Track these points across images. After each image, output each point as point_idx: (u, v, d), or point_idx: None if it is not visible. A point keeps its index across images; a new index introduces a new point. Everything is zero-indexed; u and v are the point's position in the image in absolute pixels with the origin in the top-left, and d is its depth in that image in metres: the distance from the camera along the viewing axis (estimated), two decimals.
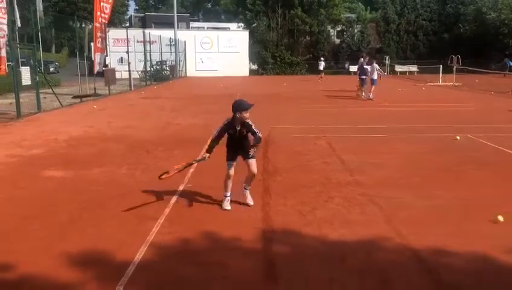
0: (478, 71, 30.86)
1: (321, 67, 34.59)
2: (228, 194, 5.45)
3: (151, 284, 3.72)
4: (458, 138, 9.82)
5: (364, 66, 19.76)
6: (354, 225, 4.93)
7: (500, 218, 4.97)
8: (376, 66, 19.73)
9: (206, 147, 5.48)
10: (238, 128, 5.26)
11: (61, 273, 3.84)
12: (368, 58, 21.37)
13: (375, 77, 19.27)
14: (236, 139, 5.35)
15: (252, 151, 5.38)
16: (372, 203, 5.62)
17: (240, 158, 5.49)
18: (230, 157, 5.45)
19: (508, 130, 11.08)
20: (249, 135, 5.30)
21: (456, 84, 27.41)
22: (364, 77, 19.54)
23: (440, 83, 28.98)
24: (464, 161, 7.92)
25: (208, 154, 5.39)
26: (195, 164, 5.70)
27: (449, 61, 29.90)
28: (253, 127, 5.26)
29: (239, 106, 5.19)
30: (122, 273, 3.81)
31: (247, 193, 5.55)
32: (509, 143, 9.21)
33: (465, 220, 5.09)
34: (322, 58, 36.53)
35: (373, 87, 19.05)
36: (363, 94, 19.64)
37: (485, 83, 27.39)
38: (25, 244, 4.47)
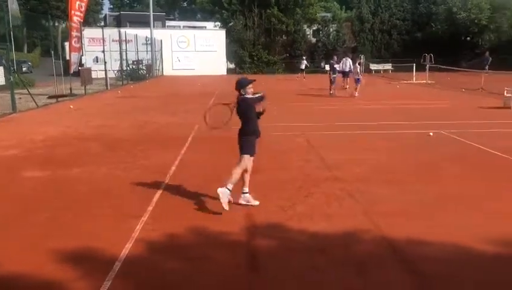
0: (450, 69, 31.63)
1: (302, 66, 34.91)
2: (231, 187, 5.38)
3: (138, 279, 3.81)
4: (431, 134, 10.13)
5: (335, 65, 20.83)
6: (334, 218, 5.10)
7: None
8: (357, 66, 20.41)
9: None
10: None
11: (47, 270, 3.88)
12: (350, 57, 22.22)
13: (359, 76, 19.87)
14: (257, 117, 5.46)
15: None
16: (350, 198, 5.81)
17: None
18: (254, 150, 5.46)
19: (478, 126, 11.47)
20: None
21: (429, 82, 28.04)
22: (335, 76, 20.53)
23: (414, 81, 29.58)
24: (438, 156, 8.20)
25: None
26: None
27: (422, 60, 30.57)
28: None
29: (244, 83, 5.39)
30: (109, 269, 3.87)
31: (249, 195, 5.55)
32: (479, 138, 9.56)
33: (440, 212, 5.31)
34: (303, 58, 36.84)
35: (358, 85, 19.63)
36: (333, 91, 20.37)
37: (456, 80, 28.10)
38: (8, 242, 4.48)
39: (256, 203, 5.48)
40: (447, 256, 4.17)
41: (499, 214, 5.25)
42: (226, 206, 5.17)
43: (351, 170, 7.17)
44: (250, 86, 5.38)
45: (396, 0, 51.51)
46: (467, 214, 5.26)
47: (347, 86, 22.48)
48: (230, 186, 5.24)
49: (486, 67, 33.04)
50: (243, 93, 5.35)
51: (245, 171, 5.43)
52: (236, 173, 5.32)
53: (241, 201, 5.49)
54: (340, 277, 3.82)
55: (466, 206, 5.56)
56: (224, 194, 5.17)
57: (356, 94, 19.42)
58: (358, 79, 19.79)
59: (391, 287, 3.70)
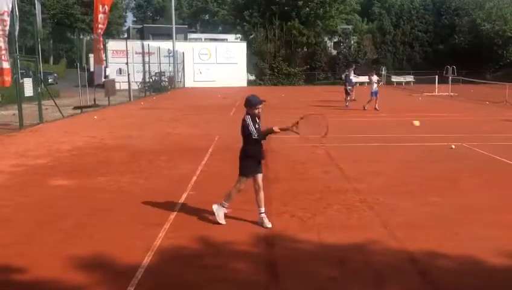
0: (473, 81, 31.26)
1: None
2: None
3: (160, 286, 3.91)
4: (453, 146, 10.05)
5: (351, 77, 21.27)
6: (353, 229, 5.14)
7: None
8: (375, 77, 20.03)
9: (265, 133, 5.22)
10: (258, 123, 5.25)
11: (73, 275, 4.03)
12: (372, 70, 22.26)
13: (375, 88, 19.33)
14: (258, 140, 5.22)
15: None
16: (369, 209, 5.83)
17: None
18: (254, 169, 5.27)
19: (501, 139, 11.32)
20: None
21: (452, 94, 27.75)
22: (351, 87, 20.73)
23: (436, 93, 29.33)
24: (459, 168, 8.14)
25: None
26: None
27: (445, 72, 30.29)
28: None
29: (254, 101, 5.21)
30: (132, 275, 3.99)
31: (264, 215, 5.34)
32: (502, 151, 9.44)
33: (458, 225, 5.29)
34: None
35: (374, 98, 19.08)
36: (348, 103, 20.37)
37: (480, 93, 27.75)
38: (36, 248, 4.65)
39: (269, 225, 5.20)
40: (465, 268, 4.18)
41: None
42: (221, 221, 5.25)
43: (371, 182, 7.18)
44: (260, 106, 5.20)
45: (418, 12, 51.39)
46: (485, 227, 5.23)
47: (354, 98, 22.42)
48: (225, 204, 5.31)
49: None
50: (254, 110, 5.16)
51: (255, 191, 5.29)
52: (233, 193, 5.32)
53: (258, 221, 5.32)
54: (358, 288, 3.86)
55: (484, 218, 5.53)
56: (218, 209, 5.30)
57: (366, 107, 18.95)
58: (373, 92, 19.18)
59: None
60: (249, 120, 5.14)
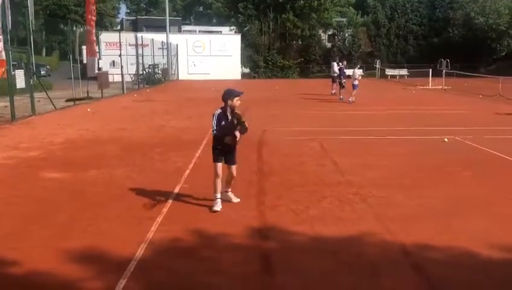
0: (467, 75, 31.36)
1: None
2: (219, 195, 5.52)
3: (153, 278, 3.90)
4: (446, 140, 10.08)
5: (345, 70, 21.06)
6: (346, 222, 5.15)
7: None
8: (358, 71, 20.11)
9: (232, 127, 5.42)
10: (230, 118, 5.36)
11: (65, 269, 4.00)
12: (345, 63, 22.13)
13: (356, 82, 19.49)
14: (226, 135, 5.36)
15: (235, 156, 5.59)
16: (363, 202, 5.84)
17: None
18: (218, 158, 5.53)
19: (494, 132, 11.37)
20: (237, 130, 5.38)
21: (446, 87, 27.82)
22: (345, 80, 20.64)
23: (430, 87, 29.39)
24: (452, 162, 8.17)
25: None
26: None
27: (438, 65, 30.34)
28: (241, 117, 5.47)
29: (231, 93, 5.33)
30: (124, 268, 3.97)
31: (230, 193, 5.79)
32: (495, 145, 9.48)
33: (451, 217, 5.32)
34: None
35: (354, 91, 19.28)
36: (342, 96, 20.30)
37: (473, 86, 27.83)
38: (28, 242, 4.62)
39: (218, 209, 5.45)
40: (458, 261, 4.20)
41: (510, 220, 5.25)
42: (218, 208, 5.45)
43: (364, 175, 7.19)
44: (238, 98, 5.30)
45: (412, 5, 51.34)
46: (478, 220, 5.26)
47: (333, 91, 22.64)
48: (217, 195, 5.49)
49: None
50: (230, 103, 5.27)
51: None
52: (216, 182, 5.48)
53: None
54: (352, 280, 3.87)
55: (477, 211, 5.56)
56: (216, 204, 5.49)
57: (351, 99, 19.04)
58: (354, 84, 19.33)
59: None
60: (217, 115, 5.33)
